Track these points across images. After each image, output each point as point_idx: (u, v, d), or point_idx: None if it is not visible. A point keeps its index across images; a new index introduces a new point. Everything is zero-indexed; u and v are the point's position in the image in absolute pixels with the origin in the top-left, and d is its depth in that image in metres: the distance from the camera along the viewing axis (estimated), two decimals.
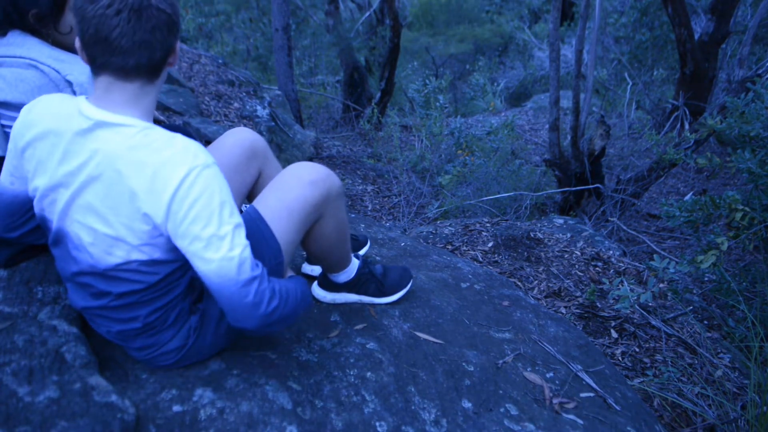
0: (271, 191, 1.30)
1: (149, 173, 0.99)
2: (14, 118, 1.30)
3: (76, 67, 1.33)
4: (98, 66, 1.01)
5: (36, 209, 1.11)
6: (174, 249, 1.08)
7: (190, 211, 0.99)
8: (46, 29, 1.35)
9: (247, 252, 1.04)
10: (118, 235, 1.03)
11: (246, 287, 1.02)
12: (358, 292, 1.63)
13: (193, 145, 1.02)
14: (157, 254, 1.07)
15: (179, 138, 1.02)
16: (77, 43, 1.01)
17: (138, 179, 0.99)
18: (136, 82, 1.03)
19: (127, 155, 0.99)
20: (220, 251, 1.00)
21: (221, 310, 1.20)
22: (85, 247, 1.06)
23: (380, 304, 1.67)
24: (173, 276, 1.12)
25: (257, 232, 1.24)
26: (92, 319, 1.18)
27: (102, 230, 1.03)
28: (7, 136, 1.32)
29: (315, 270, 1.76)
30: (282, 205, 1.27)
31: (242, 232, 1.04)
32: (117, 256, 1.05)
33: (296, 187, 1.29)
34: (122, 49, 0.97)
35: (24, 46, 1.32)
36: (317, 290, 1.64)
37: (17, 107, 1.29)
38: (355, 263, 1.60)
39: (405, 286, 1.71)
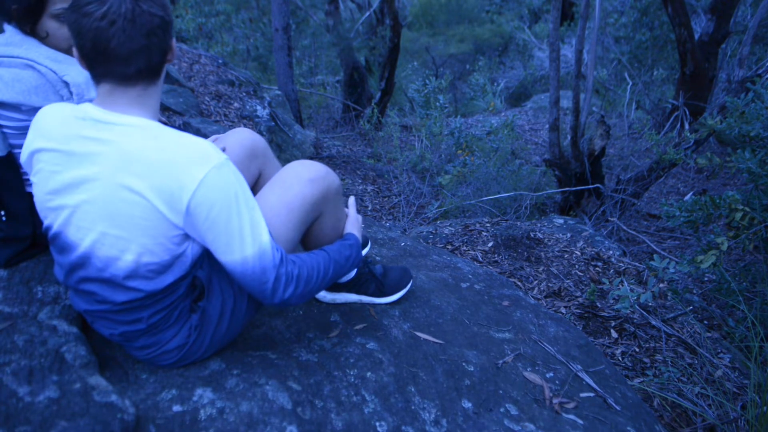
0: (271, 189, 1.31)
1: (163, 175, 0.99)
2: (11, 118, 1.30)
3: (73, 68, 1.34)
4: (99, 74, 1.02)
5: (42, 217, 1.11)
6: (183, 252, 1.09)
7: (210, 213, 1.02)
8: (25, 27, 1.35)
9: (266, 241, 1.08)
10: (130, 236, 1.03)
11: (264, 276, 1.09)
12: (358, 292, 1.63)
13: (203, 145, 1.03)
14: (167, 257, 1.07)
15: (189, 138, 1.03)
16: (75, 54, 1.02)
17: (152, 181, 0.99)
18: (138, 86, 1.04)
19: (138, 156, 1.00)
20: (241, 247, 1.06)
21: (221, 309, 1.20)
22: (93, 253, 1.06)
23: (380, 304, 1.67)
24: (173, 285, 1.12)
25: None
26: (95, 321, 1.17)
27: (113, 232, 1.03)
28: (4, 136, 1.32)
29: None
30: (281, 203, 1.27)
31: (260, 221, 1.08)
32: (126, 260, 1.05)
33: (295, 185, 1.30)
34: (121, 58, 0.98)
35: (22, 46, 1.33)
36: None
37: (14, 107, 1.29)
38: None
39: (405, 286, 1.71)
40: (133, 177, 0.99)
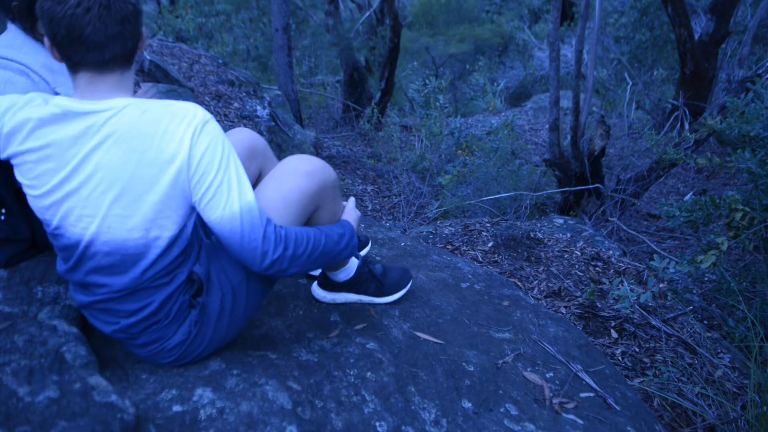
0: (268, 183, 1.32)
1: (161, 144, 1.03)
2: None
3: (68, 80, 1.34)
4: (74, 63, 1.03)
5: (39, 215, 1.11)
6: (186, 223, 1.13)
7: (199, 166, 1.06)
8: (25, 24, 1.35)
9: (252, 199, 1.11)
10: (137, 213, 1.06)
11: (252, 234, 1.10)
12: (357, 292, 1.63)
13: (188, 106, 1.07)
14: (174, 228, 1.10)
15: (174, 103, 1.07)
16: (47, 43, 1.03)
17: (152, 153, 1.03)
18: (116, 72, 1.06)
19: (133, 133, 1.02)
20: (228, 201, 1.08)
21: (221, 305, 1.21)
22: (99, 238, 1.07)
23: (380, 304, 1.67)
24: (177, 261, 1.14)
25: None
26: (96, 316, 1.17)
27: (118, 213, 1.05)
28: None
29: (316, 270, 1.77)
30: (278, 197, 1.28)
31: (246, 181, 1.11)
32: (135, 238, 1.07)
33: (292, 179, 1.31)
34: (97, 45, 1.00)
35: (22, 50, 1.33)
36: (317, 290, 1.64)
37: None
38: (354, 262, 1.60)
39: (405, 286, 1.71)
40: (133, 153, 1.02)
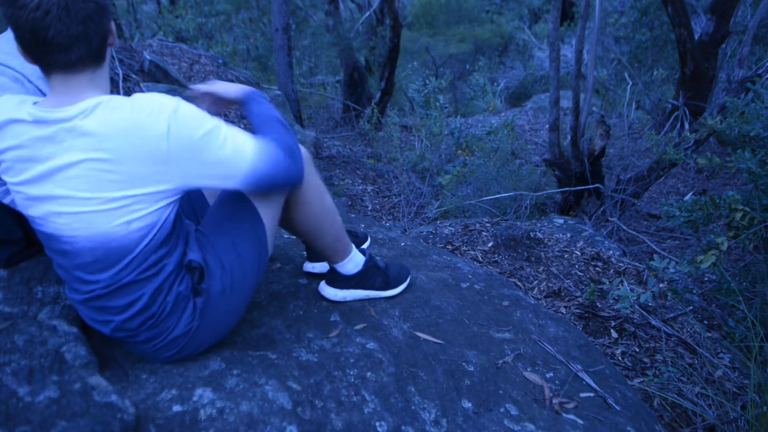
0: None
1: (135, 141, 1.03)
2: None
3: None
4: (45, 66, 1.04)
5: (20, 209, 1.12)
6: (168, 215, 1.13)
7: (188, 152, 1.07)
8: None
9: (250, 146, 1.14)
10: (114, 207, 1.06)
11: (269, 169, 1.16)
12: (365, 287, 1.66)
13: (154, 97, 1.07)
14: (156, 221, 1.11)
15: (140, 98, 1.07)
16: (18, 48, 1.03)
17: (127, 150, 1.03)
18: (86, 71, 1.06)
19: (105, 134, 1.02)
20: (236, 170, 1.13)
21: (221, 286, 1.23)
22: (81, 234, 1.08)
23: (388, 297, 1.70)
24: (162, 251, 1.14)
25: (240, 207, 1.30)
26: (93, 317, 1.18)
27: (99, 208, 1.05)
28: None
29: (316, 267, 1.78)
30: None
31: (234, 132, 1.14)
32: (116, 232, 1.07)
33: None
34: (61, 47, 1.00)
35: (20, 58, 1.33)
36: (327, 289, 1.65)
37: None
38: (360, 256, 1.63)
39: (406, 279, 1.76)
40: (108, 151, 1.02)
